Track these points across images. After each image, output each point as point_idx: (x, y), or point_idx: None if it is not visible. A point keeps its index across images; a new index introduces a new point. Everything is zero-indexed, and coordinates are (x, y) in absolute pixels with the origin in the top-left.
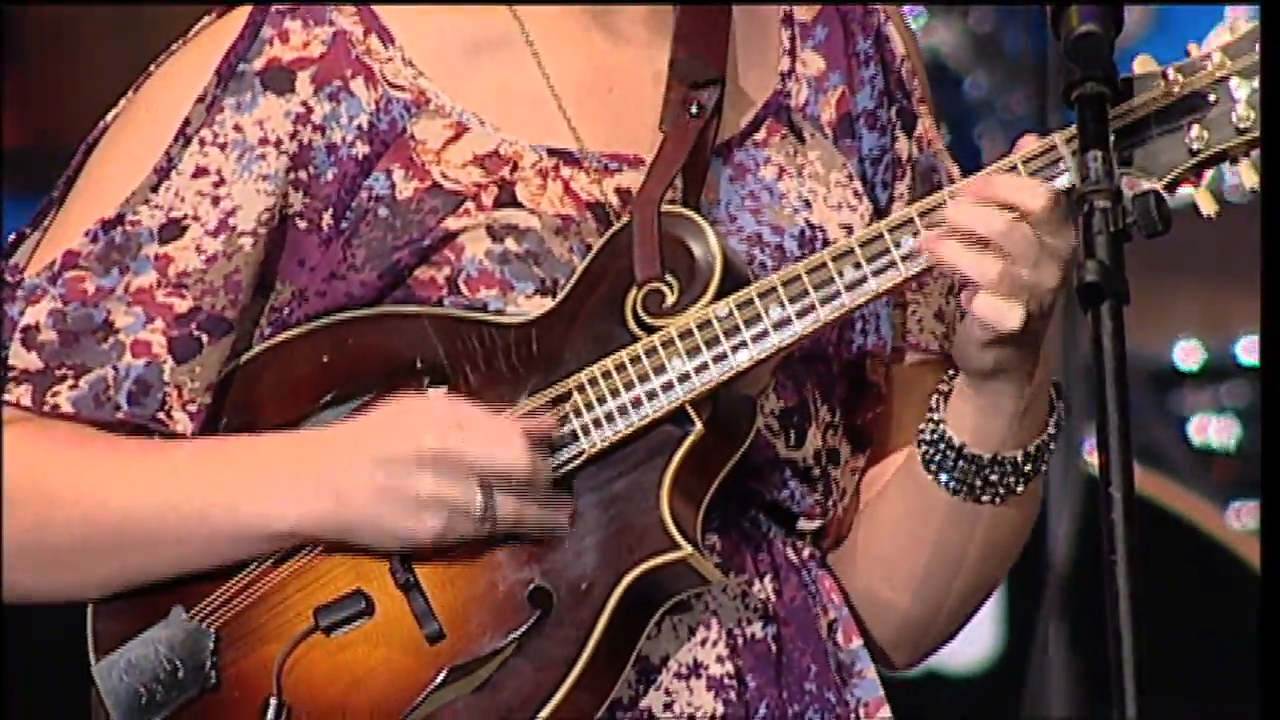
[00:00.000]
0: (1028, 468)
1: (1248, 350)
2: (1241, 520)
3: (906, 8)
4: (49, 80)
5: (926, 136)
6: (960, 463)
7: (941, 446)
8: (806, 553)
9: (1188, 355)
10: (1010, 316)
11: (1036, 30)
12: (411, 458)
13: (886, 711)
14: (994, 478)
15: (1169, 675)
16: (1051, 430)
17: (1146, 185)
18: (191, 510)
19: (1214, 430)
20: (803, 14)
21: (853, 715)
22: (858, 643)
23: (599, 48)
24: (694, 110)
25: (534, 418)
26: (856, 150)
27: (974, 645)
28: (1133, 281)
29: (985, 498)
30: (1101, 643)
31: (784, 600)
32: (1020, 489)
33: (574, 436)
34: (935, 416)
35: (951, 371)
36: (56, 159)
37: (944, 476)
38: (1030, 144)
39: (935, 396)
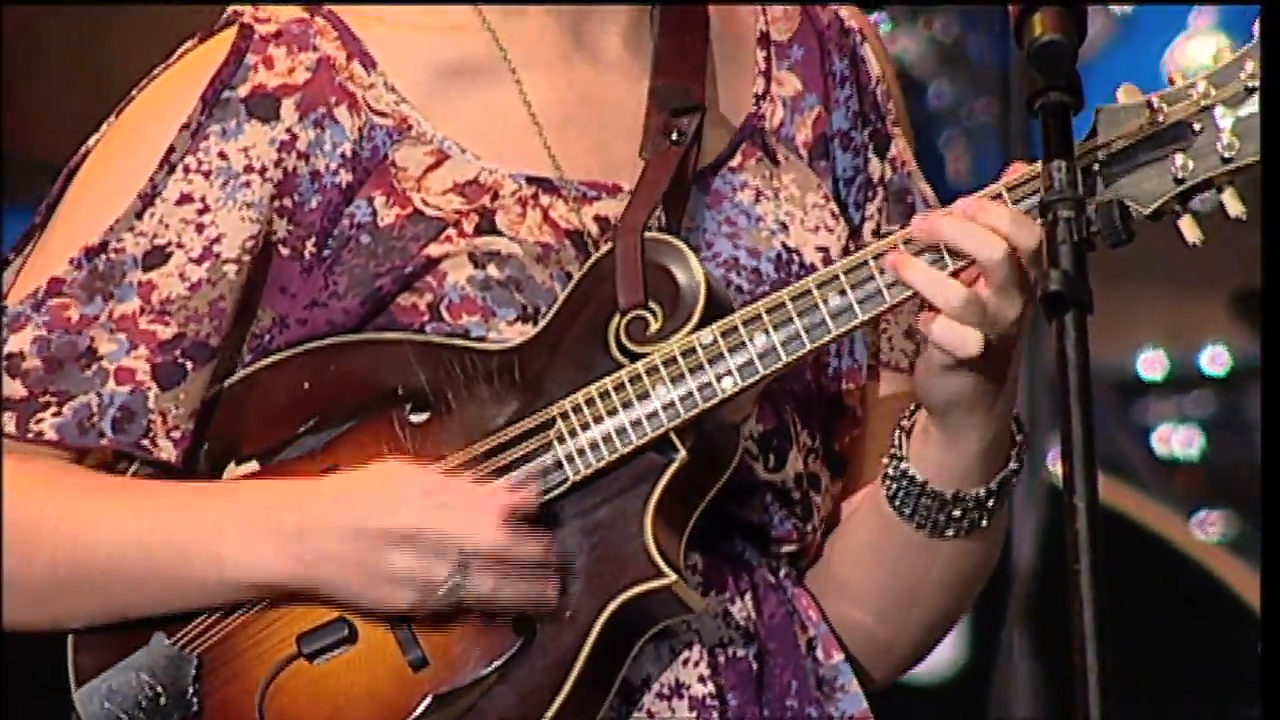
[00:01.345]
0: (990, 503)
1: (1211, 360)
2: (1205, 530)
3: (871, 17)
4: (6, 87)
5: (900, 158)
6: (923, 499)
7: (904, 483)
8: (783, 573)
9: (1151, 365)
10: (970, 342)
11: (1000, 39)
12: (387, 533)
13: None
14: (957, 514)
15: (1133, 684)
16: (1014, 465)
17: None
18: (172, 558)
19: (1177, 440)
20: (779, 34)
21: None
22: (838, 657)
23: (581, 74)
24: (675, 138)
25: (517, 492)
26: (831, 171)
27: (939, 653)
28: (1096, 291)
29: (949, 533)
30: (1066, 651)
31: (764, 619)
32: (984, 523)
33: (557, 464)
34: (898, 454)
35: (914, 406)
36: (15, 167)
37: (907, 511)
38: (1019, 169)
39: (897, 434)
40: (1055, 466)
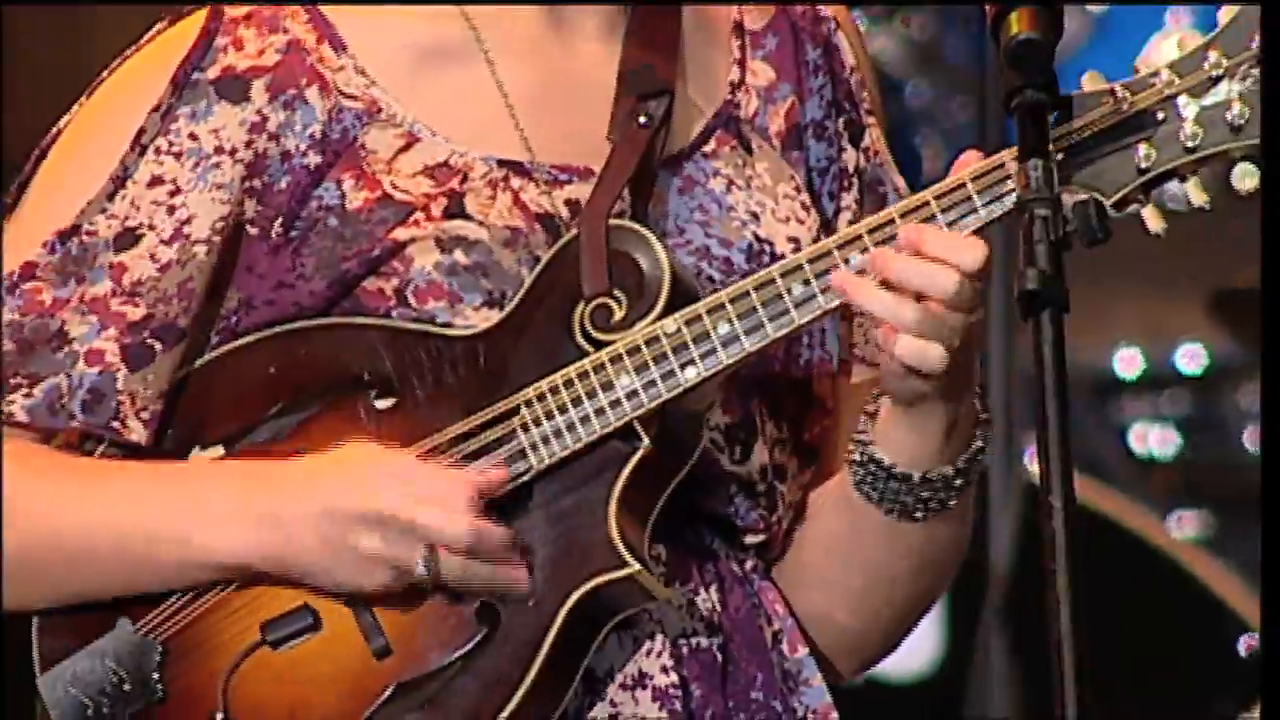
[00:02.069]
0: (958, 482)
1: (1188, 358)
2: (1181, 528)
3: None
4: None
5: (874, 148)
6: (891, 482)
7: (871, 467)
8: (750, 565)
9: (1128, 363)
10: (931, 356)
11: (976, 38)
12: (358, 515)
13: (834, 717)
14: (925, 495)
15: (1110, 682)
16: (979, 443)
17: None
18: (142, 538)
19: (1154, 438)
20: (753, 23)
21: None
22: (803, 651)
23: (554, 57)
24: (642, 121)
25: (486, 475)
26: (804, 161)
27: (916, 652)
28: (1073, 290)
29: (918, 515)
30: (1042, 650)
31: (729, 611)
32: (953, 504)
33: (520, 453)
34: (863, 438)
35: (878, 391)
36: None
37: (875, 496)
38: (974, 158)
39: (862, 418)
40: (1032, 465)
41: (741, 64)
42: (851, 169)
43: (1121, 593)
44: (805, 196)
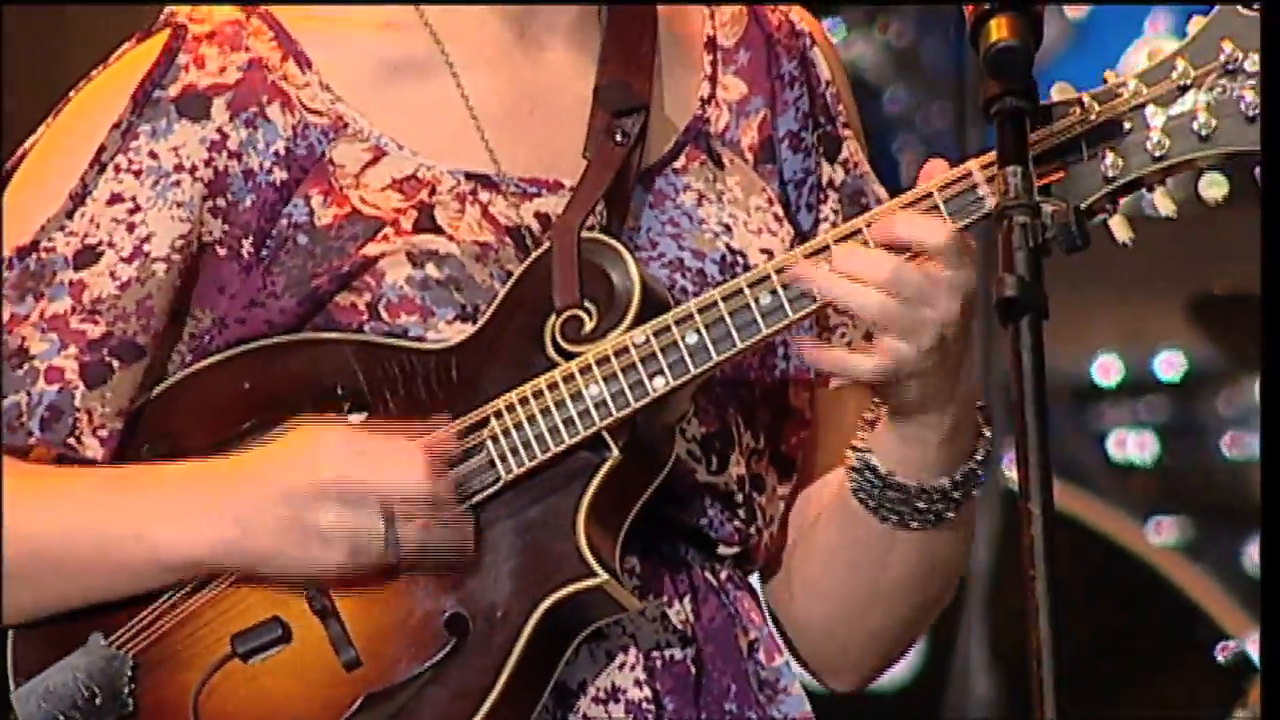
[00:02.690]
0: (956, 494)
1: (1166, 365)
2: (1160, 535)
3: (825, 22)
4: None
5: (853, 160)
6: (888, 491)
7: (869, 475)
8: (724, 575)
9: (1106, 370)
10: (907, 357)
11: (955, 44)
12: (312, 489)
13: None
14: (922, 505)
15: (1089, 689)
16: (980, 456)
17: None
18: (102, 543)
19: (1133, 445)
20: (725, 39)
21: None
22: (780, 660)
23: (521, 70)
24: (618, 138)
25: (435, 438)
26: (778, 174)
27: None
28: (1051, 296)
29: (915, 525)
30: (1021, 656)
31: (703, 622)
32: (950, 515)
33: (490, 464)
34: (861, 445)
35: (877, 399)
36: None
37: (873, 504)
38: (939, 167)
39: (861, 424)
40: (1010, 471)
41: (712, 79)
42: (826, 182)
43: (1100, 599)
44: (778, 209)
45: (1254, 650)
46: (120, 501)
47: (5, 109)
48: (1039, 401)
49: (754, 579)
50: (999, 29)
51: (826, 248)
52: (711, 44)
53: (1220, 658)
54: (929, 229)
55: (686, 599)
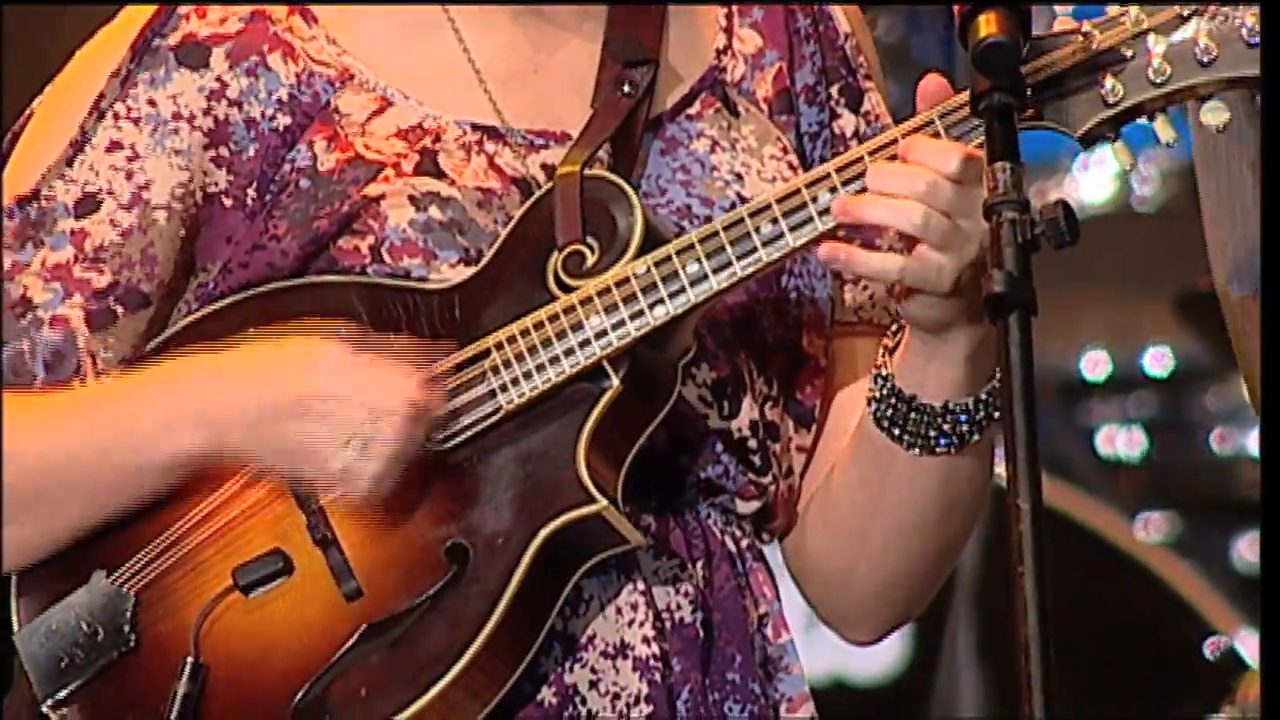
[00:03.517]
0: (980, 414)
1: (1155, 361)
2: (1149, 531)
3: None
4: None
5: (874, 112)
6: (913, 415)
7: (893, 401)
8: (745, 543)
9: (1095, 366)
10: (947, 268)
11: (944, 40)
12: (285, 401)
13: (809, 708)
14: (947, 427)
15: (1077, 685)
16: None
17: (1055, 196)
18: (95, 454)
19: (1121, 441)
20: None
21: (773, 710)
22: (787, 637)
23: (528, 32)
24: (626, 88)
25: (431, 371)
26: (794, 125)
27: (882, 654)
28: (1040, 292)
29: (941, 449)
30: (1009, 652)
31: (714, 588)
32: (975, 437)
33: (490, 394)
34: (884, 372)
35: (896, 325)
36: None
37: (897, 431)
38: (935, 86)
39: (881, 352)
40: (999, 467)
41: (728, 31)
42: (850, 133)
43: (1088, 595)
44: (793, 158)
45: (1242, 647)
46: (111, 412)
47: (5, 109)
48: (1028, 397)
49: (773, 544)
50: (988, 25)
51: (827, 176)
52: None
53: (1209, 654)
54: (944, 156)
55: (700, 563)
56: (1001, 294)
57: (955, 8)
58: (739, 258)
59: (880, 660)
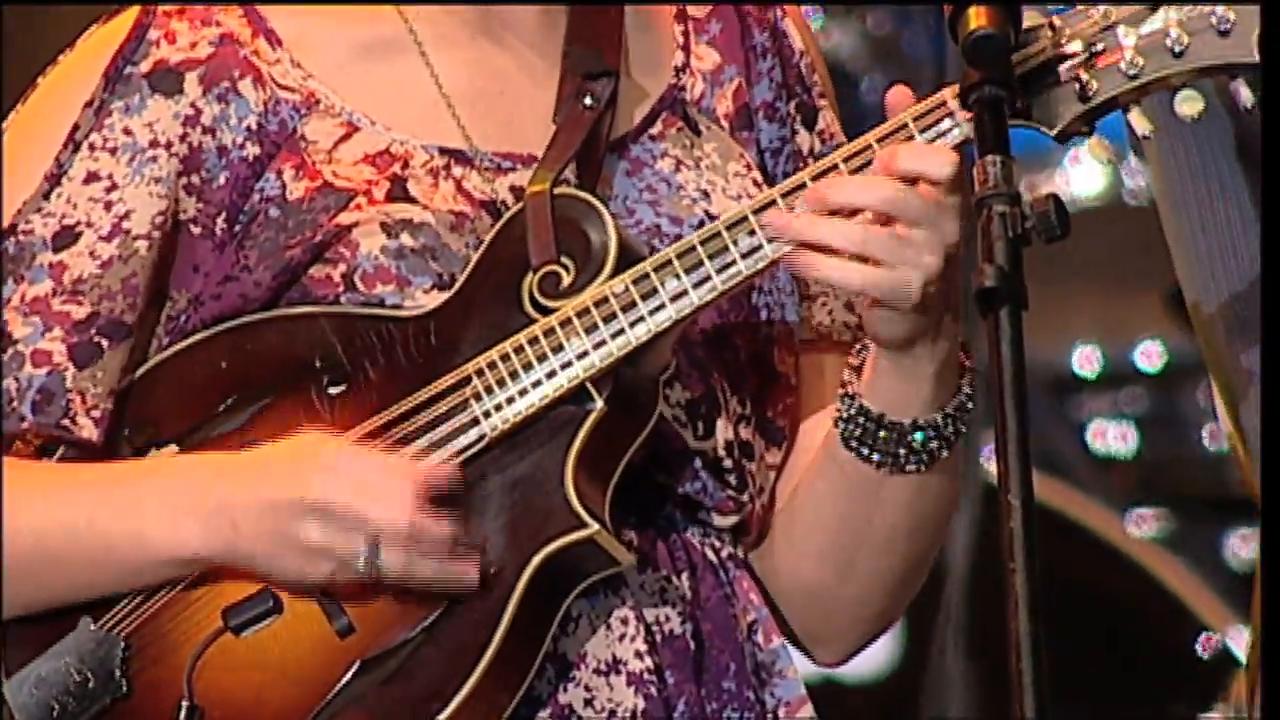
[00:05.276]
0: (949, 429)
1: (1146, 356)
2: (1140, 527)
3: (804, 9)
4: None
5: (829, 130)
6: (881, 433)
7: (861, 420)
8: (725, 552)
9: (1086, 361)
10: (908, 287)
11: (935, 33)
12: (300, 505)
13: (808, 710)
14: (917, 444)
15: (1068, 682)
16: (967, 389)
17: (1045, 191)
18: (96, 539)
19: (1113, 436)
20: (696, 10)
21: (770, 715)
22: (778, 642)
23: (491, 52)
24: (588, 102)
25: (434, 467)
26: (755, 141)
27: (872, 653)
28: (1031, 287)
29: (910, 467)
30: (1000, 650)
31: (700, 599)
32: (944, 453)
33: (473, 421)
34: (851, 391)
35: (860, 345)
36: None
37: (866, 450)
38: (903, 96)
39: (847, 371)
40: (990, 464)
41: (685, 49)
42: (806, 151)
43: (1080, 592)
44: (757, 174)
45: (1235, 643)
46: (118, 499)
47: (5, 109)
48: (1019, 393)
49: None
50: (978, 18)
51: (802, 185)
52: (682, 15)
53: (1201, 651)
54: (938, 160)
55: (685, 574)
56: (992, 289)
57: (945, 1)
58: (718, 271)
59: (871, 658)
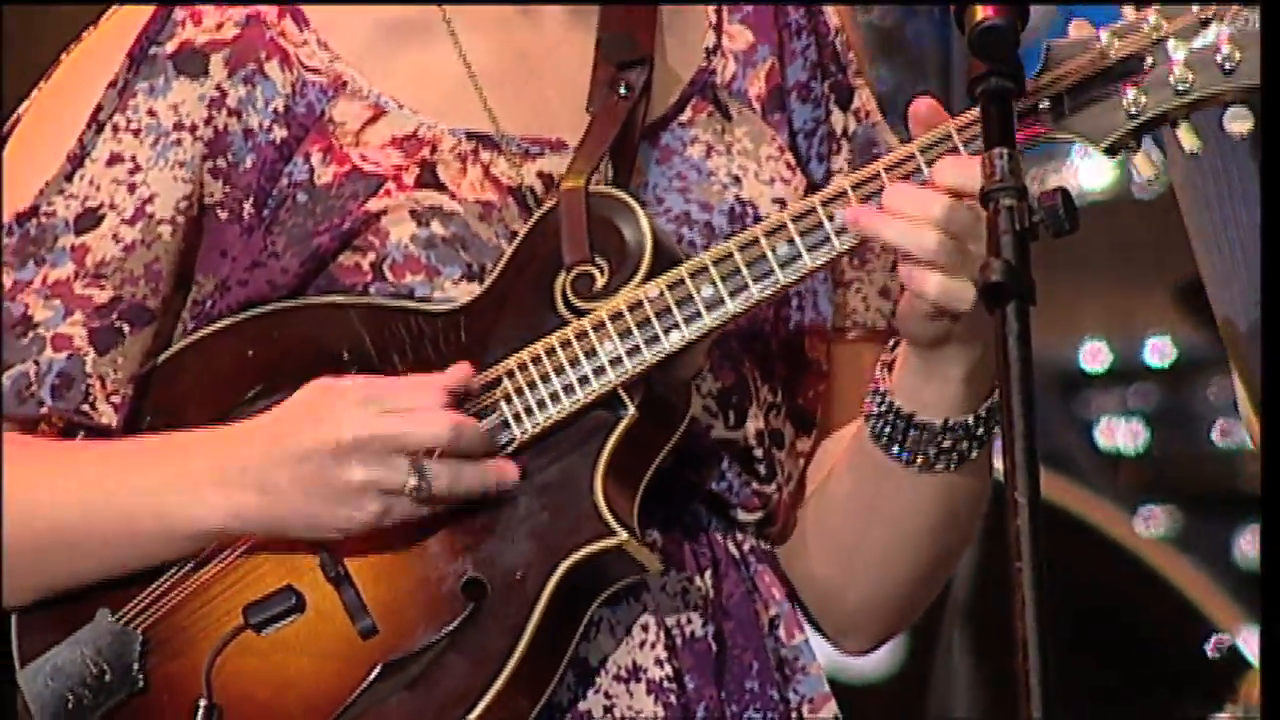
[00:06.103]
0: (980, 431)
1: (1155, 352)
2: (1149, 525)
3: None
4: None
5: (865, 109)
6: (911, 432)
7: (891, 418)
8: (748, 546)
9: (1094, 357)
10: (960, 291)
11: (940, 24)
12: (334, 448)
13: (832, 707)
14: (947, 444)
15: (1075, 681)
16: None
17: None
18: (116, 516)
19: (1121, 433)
20: None
21: (794, 713)
22: (800, 638)
23: (520, 34)
24: (623, 91)
25: (451, 374)
26: (787, 123)
27: (878, 652)
28: (1039, 281)
29: (939, 466)
30: (1007, 649)
31: (723, 596)
32: (974, 454)
33: (504, 424)
34: (882, 388)
35: (894, 341)
36: None
37: (896, 448)
38: (926, 109)
39: (879, 368)
40: (996, 461)
41: (717, 29)
42: (840, 131)
43: (1088, 590)
44: (789, 157)
45: (1245, 644)
46: (139, 474)
47: (5, 109)
48: (1026, 389)
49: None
50: (984, 8)
51: (844, 193)
52: None
53: (1210, 652)
54: (974, 174)
55: (708, 573)
56: (1000, 283)
57: None
58: (755, 280)
59: (877, 657)
